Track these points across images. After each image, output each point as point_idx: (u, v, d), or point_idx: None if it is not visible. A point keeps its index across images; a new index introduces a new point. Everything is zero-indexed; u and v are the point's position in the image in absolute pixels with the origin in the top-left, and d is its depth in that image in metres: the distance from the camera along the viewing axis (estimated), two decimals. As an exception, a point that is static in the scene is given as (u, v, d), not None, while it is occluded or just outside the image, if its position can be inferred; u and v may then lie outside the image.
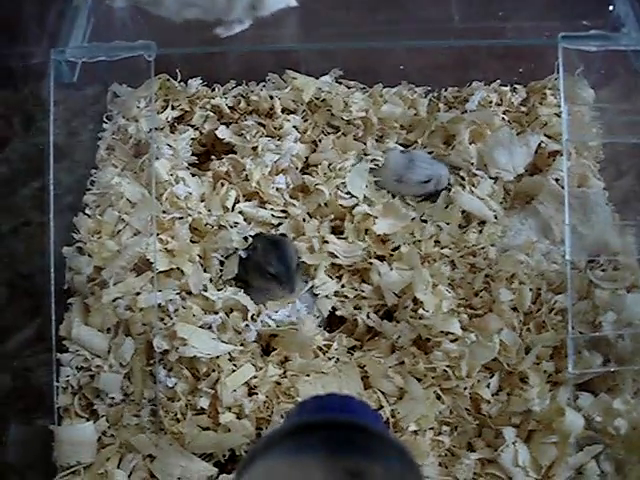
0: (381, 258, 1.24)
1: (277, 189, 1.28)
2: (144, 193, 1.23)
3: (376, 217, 1.25)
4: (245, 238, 1.23)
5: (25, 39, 1.33)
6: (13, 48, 1.30)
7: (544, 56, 1.38)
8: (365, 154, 1.34)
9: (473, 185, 1.29)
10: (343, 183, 1.28)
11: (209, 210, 1.26)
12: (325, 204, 1.28)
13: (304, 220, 1.26)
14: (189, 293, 1.17)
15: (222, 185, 1.28)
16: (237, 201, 1.28)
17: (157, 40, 1.10)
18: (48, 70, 1.14)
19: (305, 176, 1.30)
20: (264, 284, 1.18)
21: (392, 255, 1.24)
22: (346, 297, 1.21)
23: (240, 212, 1.26)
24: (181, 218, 1.22)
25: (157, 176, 1.23)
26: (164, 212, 1.22)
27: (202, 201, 1.27)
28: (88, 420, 1.13)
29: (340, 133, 1.36)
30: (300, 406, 0.74)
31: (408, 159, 1.30)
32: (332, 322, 1.22)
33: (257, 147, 1.30)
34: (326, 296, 1.20)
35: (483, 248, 1.23)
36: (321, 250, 1.22)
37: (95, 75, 1.37)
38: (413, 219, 1.27)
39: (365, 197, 1.28)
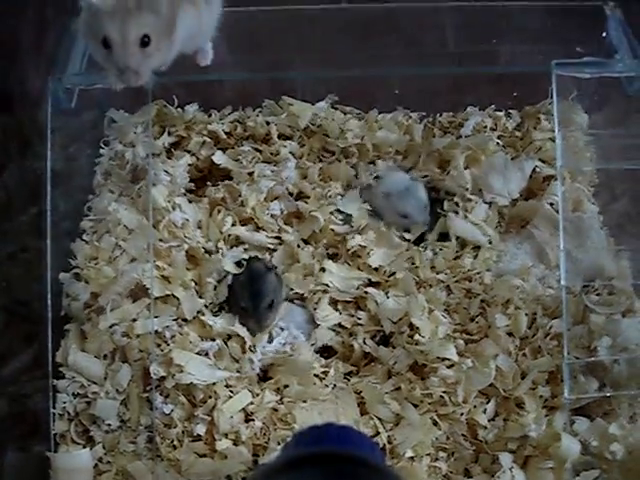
0: (376, 285, 1.24)
1: (272, 215, 1.28)
2: (141, 220, 1.24)
3: (371, 249, 1.25)
4: (238, 263, 1.23)
5: (23, 65, 1.33)
6: (11, 73, 1.31)
7: (538, 80, 1.38)
8: (356, 178, 1.35)
9: (467, 210, 1.30)
10: (338, 210, 1.28)
11: (205, 236, 1.26)
12: (320, 230, 1.28)
13: (298, 246, 1.26)
14: (185, 320, 1.18)
15: (218, 212, 1.28)
16: (233, 225, 1.28)
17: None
18: (46, 96, 1.15)
19: (299, 202, 1.30)
20: (240, 316, 1.19)
21: (387, 281, 1.24)
22: (342, 327, 1.21)
23: (236, 237, 1.26)
24: (178, 246, 1.23)
25: (154, 203, 1.23)
26: (161, 240, 1.22)
27: (199, 228, 1.27)
28: (84, 447, 1.13)
29: (334, 158, 1.37)
30: (298, 437, 0.74)
31: (405, 186, 1.31)
32: (328, 348, 1.22)
33: (253, 173, 1.31)
34: (328, 327, 1.20)
35: (479, 273, 1.23)
36: (317, 280, 1.22)
37: (92, 101, 1.38)
38: (407, 249, 1.27)
39: (358, 223, 1.28)
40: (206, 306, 1.20)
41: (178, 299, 1.18)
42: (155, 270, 1.18)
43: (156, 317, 1.15)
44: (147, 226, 1.21)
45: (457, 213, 1.29)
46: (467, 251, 1.27)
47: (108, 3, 0.93)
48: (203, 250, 1.24)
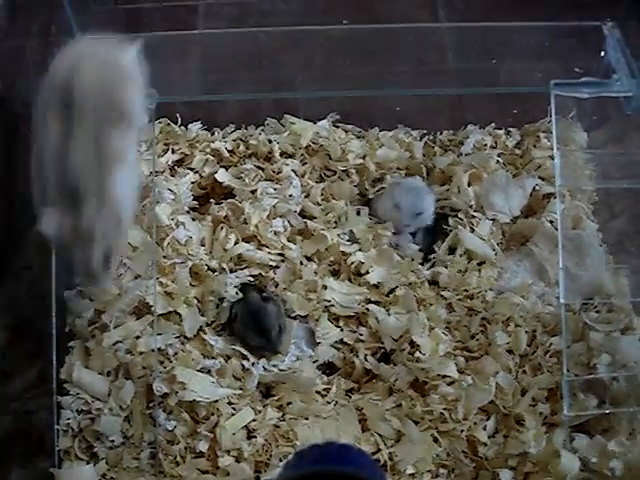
0: (377, 303, 1.25)
1: (275, 232, 1.29)
2: (145, 237, 1.25)
3: (371, 266, 1.26)
4: (236, 287, 1.23)
5: (26, 85, 1.34)
6: (14, 94, 1.32)
7: (538, 99, 1.40)
8: (361, 196, 1.37)
9: (473, 225, 1.31)
10: (344, 233, 1.30)
11: (209, 254, 1.27)
12: (326, 249, 1.29)
13: (301, 263, 1.27)
14: (187, 337, 1.19)
15: (222, 229, 1.29)
16: (236, 243, 1.29)
17: (157, 84, 1.12)
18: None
19: (306, 220, 1.32)
20: (255, 351, 1.20)
21: (388, 296, 1.25)
22: (344, 343, 1.22)
23: (239, 255, 1.27)
24: (182, 263, 1.24)
25: (158, 221, 1.24)
26: (165, 257, 1.23)
27: (202, 245, 1.28)
28: (88, 462, 1.14)
29: (337, 177, 1.38)
30: (299, 455, 0.75)
31: (417, 185, 1.33)
32: (330, 364, 1.23)
33: (256, 191, 1.32)
34: (329, 344, 1.21)
35: (481, 291, 1.24)
36: (319, 298, 1.23)
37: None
38: (408, 267, 1.28)
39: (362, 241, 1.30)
40: (208, 324, 1.21)
41: (181, 316, 1.19)
42: (158, 287, 1.19)
43: (159, 334, 1.16)
44: (151, 244, 1.22)
45: (464, 226, 1.31)
46: (473, 267, 1.27)
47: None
48: (206, 268, 1.25)
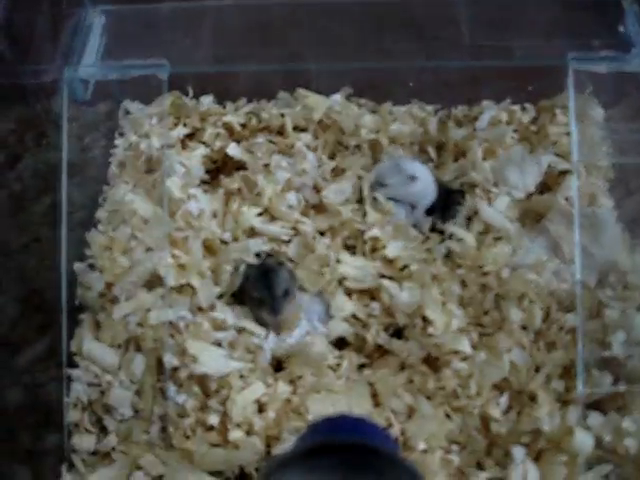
0: (390, 277, 1.23)
1: (289, 206, 1.28)
2: (156, 210, 1.24)
3: (387, 241, 1.25)
4: (257, 255, 1.23)
5: (38, 56, 1.33)
6: (25, 65, 1.31)
7: (554, 74, 1.38)
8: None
9: (490, 200, 1.29)
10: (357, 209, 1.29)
11: (221, 226, 1.27)
12: (341, 224, 1.28)
13: (314, 238, 1.27)
14: (200, 309, 1.18)
15: (234, 201, 1.29)
16: (249, 216, 1.28)
17: (168, 57, 1.12)
18: (61, 87, 1.15)
19: (320, 195, 1.31)
20: (256, 312, 1.20)
21: (402, 272, 1.24)
22: (356, 318, 1.21)
23: (251, 227, 1.26)
24: (194, 235, 1.23)
25: (169, 194, 1.23)
26: (177, 230, 1.22)
27: (214, 217, 1.27)
28: (98, 435, 1.13)
29: (349, 152, 1.37)
30: (312, 428, 0.74)
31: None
32: (341, 339, 1.22)
33: (268, 164, 1.31)
34: (343, 318, 1.20)
35: (495, 267, 1.22)
36: (333, 272, 1.22)
37: (107, 92, 1.39)
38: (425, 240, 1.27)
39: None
40: (221, 295, 1.20)
41: (193, 288, 1.18)
42: (171, 259, 1.18)
43: (170, 307, 1.15)
44: (162, 216, 1.21)
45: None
46: (489, 242, 1.26)
47: None
48: (219, 240, 1.24)
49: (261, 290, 1.17)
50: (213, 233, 1.25)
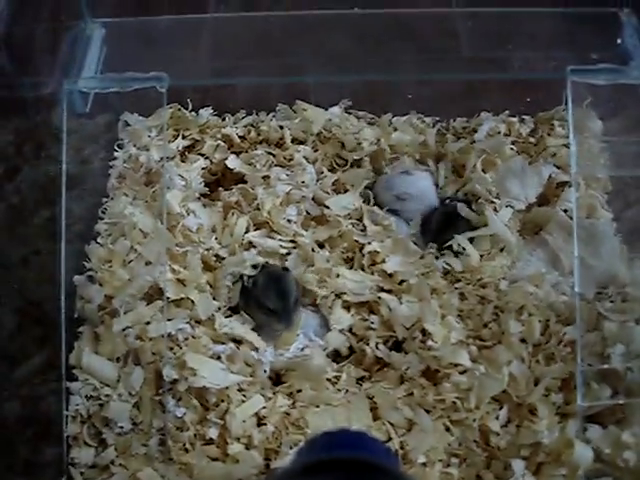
0: (389, 291, 1.23)
1: (288, 220, 1.28)
2: (156, 225, 1.24)
3: (386, 255, 1.25)
4: (254, 266, 1.23)
5: (37, 68, 1.34)
6: (25, 77, 1.31)
7: (551, 86, 1.39)
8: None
9: (496, 210, 1.29)
10: (359, 219, 1.30)
11: (219, 241, 1.27)
12: (339, 235, 1.28)
13: (313, 250, 1.26)
14: (198, 322, 1.18)
15: (232, 214, 1.29)
16: (247, 230, 1.28)
17: (167, 69, 1.12)
18: (60, 99, 1.15)
19: (321, 207, 1.31)
20: (264, 319, 1.19)
21: (401, 285, 1.23)
22: (353, 333, 1.21)
23: (249, 242, 1.26)
24: (193, 250, 1.23)
25: (169, 208, 1.23)
26: (177, 245, 1.23)
27: (213, 231, 1.27)
28: (97, 449, 1.13)
29: (348, 166, 1.38)
30: (311, 443, 0.74)
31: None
32: (339, 353, 1.22)
33: (268, 177, 1.32)
34: (340, 331, 1.20)
35: (493, 280, 1.22)
36: (331, 286, 1.22)
37: (107, 104, 1.38)
38: (422, 257, 1.27)
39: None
40: (219, 309, 1.20)
41: (192, 302, 1.18)
42: (170, 274, 1.18)
43: (169, 320, 1.15)
44: (162, 231, 1.21)
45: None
46: (490, 254, 1.26)
47: None
48: (217, 255, 1.25)
49: (273, 299, 1.17)
50: (212, 248, 1.25)
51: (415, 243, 1.29)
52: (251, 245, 1.27)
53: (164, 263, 1.18)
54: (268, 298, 1.18)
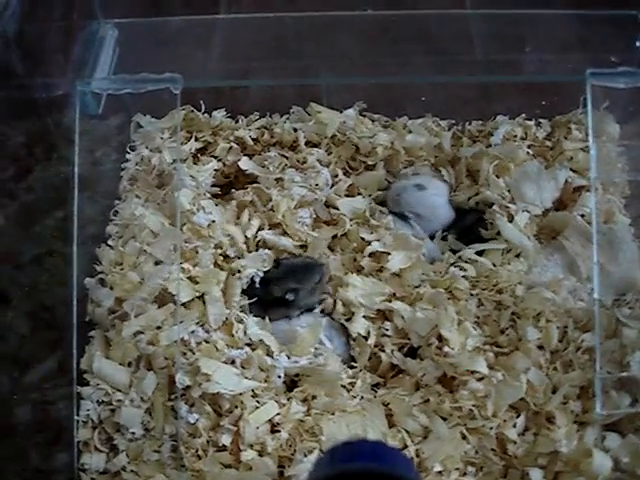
0: (402, 298, 1.22)
1: (302, 223, 1.27)
2: (165, 223, 1.23)
3: (388, 253, 1.24)
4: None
5: (49, 69, 1.33)
6: (37, 78, 1.31)
7: (568, 90, 1.37)
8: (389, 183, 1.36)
9: (511, 216, 1.27)
10: (367, 220, 1.29)
11: (232, 239, 1.25)
12: (345, 234, 1.28)
13: (325, 255, 1.26)
14: (212, 327, 1.16)
15: (246, 212, 1.28)
16: (261, 228, 1.28)
17: (180, 70, 1.11)
18: (72, 100, 1.14)
19: (331, 209, 1.30)
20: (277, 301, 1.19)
21: (415, 290, 1.22)
22: (366, 339, 1.19)
23: (263, 240, 1.26)
24: (204, 246, 1.22)
25: (181, 206, 1.22)
26: (186, 242, 1.21)
27: (226, 231, 1.26)
28: (108, 455, 1.12)
29: (363, 168, 1.37)
30: (330, 453, 0.73)
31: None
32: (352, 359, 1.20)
33: (281, 179, 1.31)
34: (364, 337, 1.19)
35: (509, 285, 1.21)
36: (342, 293, 1.21)
37: (119, 106, 1.38)
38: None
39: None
40: (232, 307, 1.19)
41: (204, 303, 1.17)
42: (181, 273, 1.17)
43: (181, 321, 1.14)
44: (172, 229, 1.20)
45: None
46: (506, 260, 1.25)
47: None
48: (229, 253, 1.23)
49: (295, 279, 1.19)
50: (223, 246, 1.23)
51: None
52: (265, 244, 1.26)
53: (175, 261, 1.16)
54: (295, 277, 1.19)
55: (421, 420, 1.11)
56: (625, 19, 1.28)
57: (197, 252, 1.22)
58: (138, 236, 1.23)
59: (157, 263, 1.21)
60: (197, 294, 1.17)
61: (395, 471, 0.65)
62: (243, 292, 1.20)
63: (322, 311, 1.22)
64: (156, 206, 1.28)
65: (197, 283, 1.19)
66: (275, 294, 1.20)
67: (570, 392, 1.12)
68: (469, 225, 1.30)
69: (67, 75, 1.26)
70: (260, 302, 1.20)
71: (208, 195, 1.32)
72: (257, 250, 1.25)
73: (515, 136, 1.39)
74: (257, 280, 1.21)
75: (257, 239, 1.26)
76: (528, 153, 1.36)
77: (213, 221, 1.25)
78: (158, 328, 1.14)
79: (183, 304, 1.16)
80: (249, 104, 1.45)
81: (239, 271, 1.21)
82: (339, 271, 1.24)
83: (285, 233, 1.28)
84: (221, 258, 1.24)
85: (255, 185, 1.32)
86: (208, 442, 1.09)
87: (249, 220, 1.27)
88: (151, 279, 1.17)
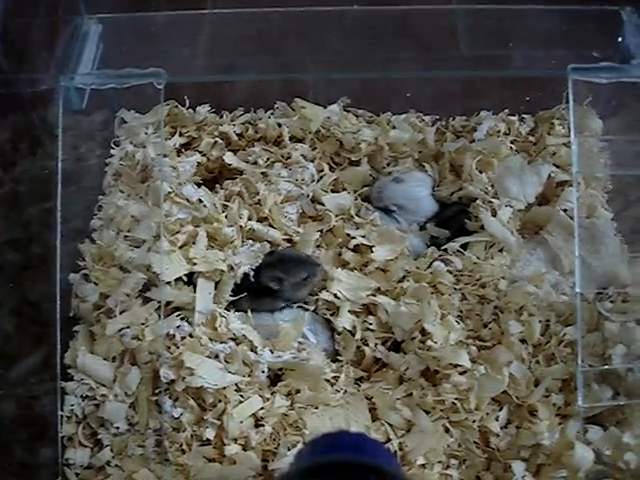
0: (386, 292, 1.22)
1: (288, 218, 1.27)
2: (148, 207, 1.23)
3: (372, 246, 1.24)
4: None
5: (33, 64, 1.32)
6: (21, 73, 1.30)
7: (552, 85, 1.38)
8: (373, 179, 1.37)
9: (494, 211, 1.28)
10: (351, 216, 1.29)
11: (221, 224, 1.24)
12: (330, 230, 1.28)
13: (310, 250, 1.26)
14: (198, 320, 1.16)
15: (234, 202, 1.28)
16: (250, 219, 1.27)
17: (165, 66, 1.11)
18: (56, 95, 1.14)
19: (317, 205, 1.31)
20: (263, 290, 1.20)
21: (398, 284, 1.22)
22: (352, 333, 1.19)
23: (252, 230, 1.25)
24: (187, 218, 1.22)
25: (164, 190, 1.22)
26: (167, 215, 1.21)
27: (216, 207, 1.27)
28: (92, 449, 1.12)
29: (347, 163, 1.37)
30: (311, 445, 0.73)
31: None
32: (336, 353, 1.21)
33: (266, 174, 1.31)
34: (350, 332, 1.19)
35: (492, 279, 1.21)
36: (327, 288, 1.22)
37: (103, 101, 1.37)
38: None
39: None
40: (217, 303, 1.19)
41: (192, 288, 1.17)
42: (168, 244, 1.17)
43: (167, 315, 1.14)
44: (155, 208, 1.20)
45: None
46: (489, 254, 1.25)
47: None
48: (220, 234, 1.23)
49: (283, 270, 1.19)
50: (212, 218, 1.24)
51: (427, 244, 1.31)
52: (253, 234, 1.26)
53: (159, 239, 1.16)
54: (278, 268, 1.19)
55: (404, 413, 1.11)
56: (608, 15, 1.28)
57: (181, 224, 1.21)
58: (120, 224, 1.23)
59: (142, 242, 1.20)
60: (183, 273, 1.17)
61: (375, 462, 0.66)
62: (236, 285, 1.21)
63: (306, 303, 1.23)
64: (139, 199, 1.27)
65: (194, 264, 1.18)
66: (262, 281, 1.20)
67: (552, 385, 1.13)
68: (452, 215, 1.31)
69: (51, 70, 1.25)
70: (249, 292, 1.20)
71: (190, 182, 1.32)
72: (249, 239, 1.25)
73: (498, 131, 1.40)
74: (251, 274, 1.21)
75: (245, 228, 1.25)
76: (511, 148, 1.37)
77: (201, 200, 1.25)
78: (143, 324, 1.14)
79: (168, 304, 1.16)
80: (233, 99, 1.45)
81: (232, 268, 1.20)
82: (325, 266, 1.24)
83: (272, 227, 1.28)
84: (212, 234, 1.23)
85: (244, 176, 1.32)
86: (192, 436, 1.10)
87: (238, 209, 1.27)
88: (133, 264, 1.17)
